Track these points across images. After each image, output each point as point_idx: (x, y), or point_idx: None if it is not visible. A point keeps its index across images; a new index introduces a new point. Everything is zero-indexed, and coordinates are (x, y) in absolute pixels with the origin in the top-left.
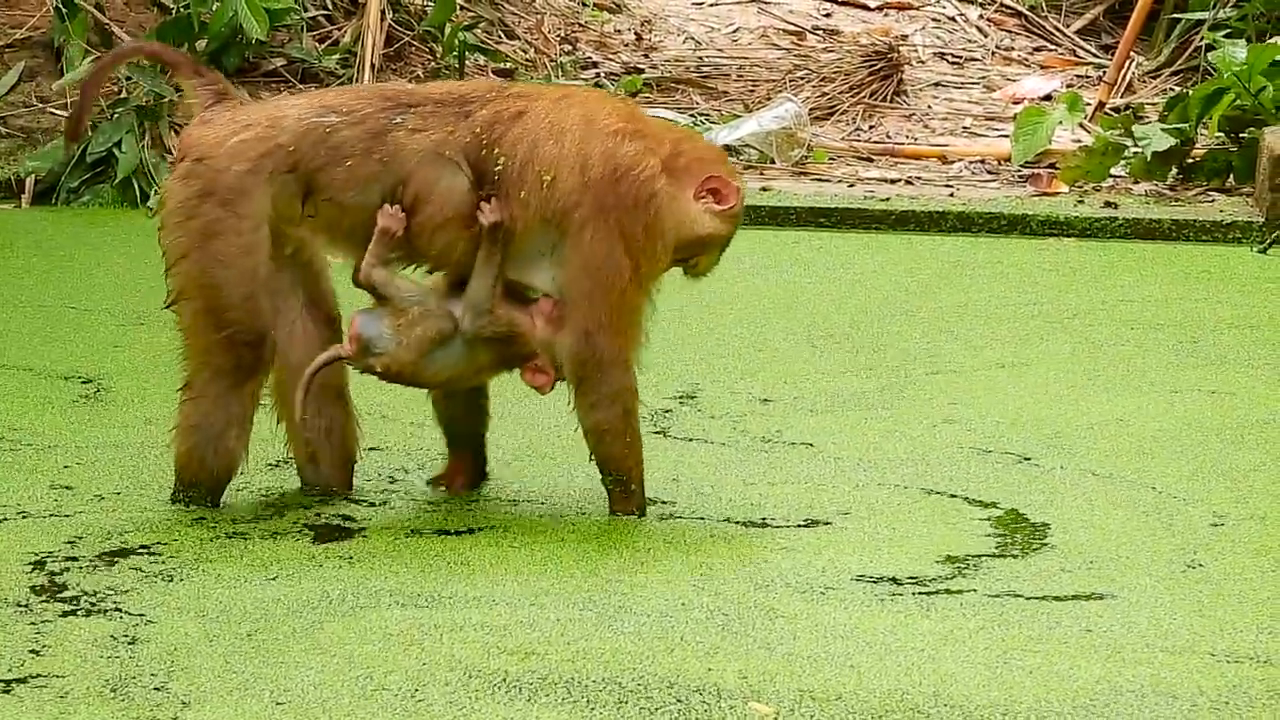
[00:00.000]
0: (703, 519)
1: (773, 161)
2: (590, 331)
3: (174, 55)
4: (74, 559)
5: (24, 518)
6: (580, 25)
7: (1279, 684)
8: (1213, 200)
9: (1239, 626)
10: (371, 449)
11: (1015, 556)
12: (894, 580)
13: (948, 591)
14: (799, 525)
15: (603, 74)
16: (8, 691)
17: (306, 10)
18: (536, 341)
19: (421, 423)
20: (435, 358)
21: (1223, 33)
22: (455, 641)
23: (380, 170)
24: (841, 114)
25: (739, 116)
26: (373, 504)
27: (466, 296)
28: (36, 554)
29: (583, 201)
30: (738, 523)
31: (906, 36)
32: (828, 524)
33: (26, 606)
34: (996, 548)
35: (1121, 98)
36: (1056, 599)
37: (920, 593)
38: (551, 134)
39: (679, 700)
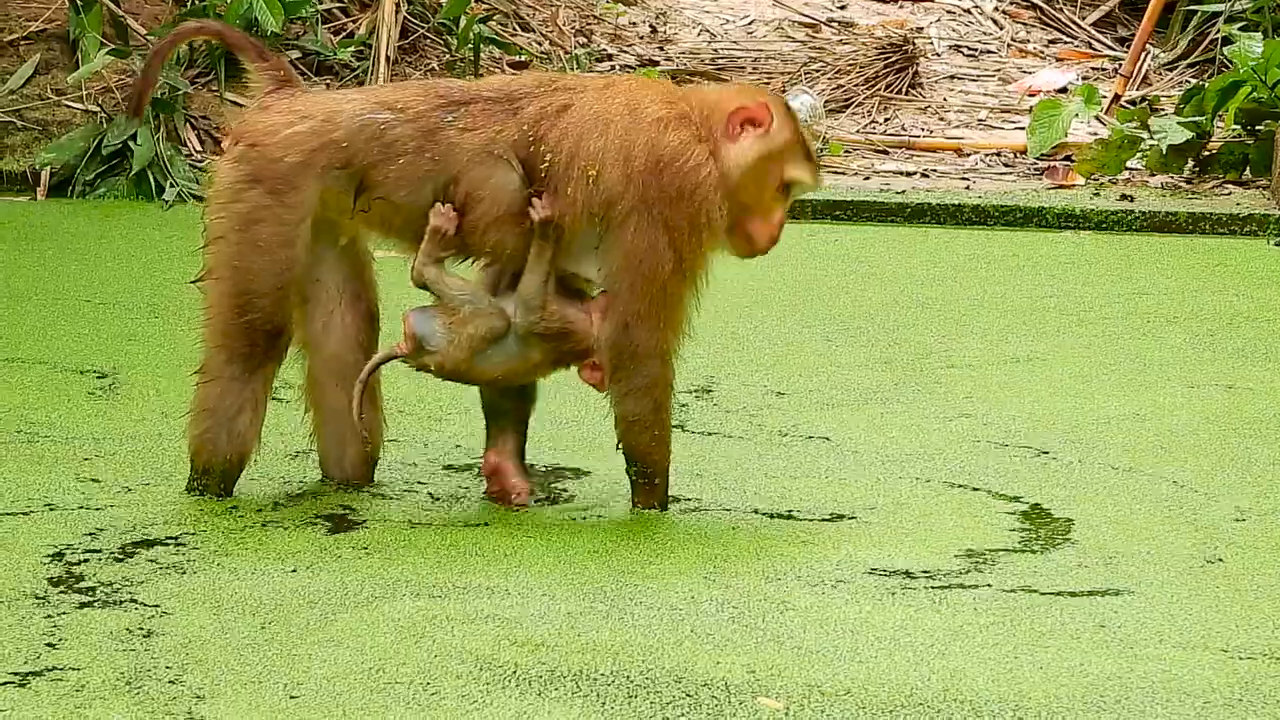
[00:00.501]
0: (725, 512)
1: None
2: (629, 323)
3: (238, 37)
4: (94, 551)
5: (50, 509)
6: (595, 17)
7: None
8: (1229, 193)
9: (1255, 622)
10: (390, 440)
11: (1034, 552)
12: (907, 574)
13: (961, 586)
14: (818, 519)
15: (618, 66)
16: (24, 685)
17: (321, 3)
18: (593, 339)
19: (439, 417)
20: (487, 355)
21: (1239, 25)
22: (466, 634)
23: (432, 169)
24: (857, 106)
25: None
26: (391, 497)
27: (519, 293)
28: (56, 546)
29: (626, 194)
30: (757, 516)
31: (922, 29)
32: (850, 518)
33: (44, 599)
34: (1019, 543)
35: (1137, 90)
36: (1071, 594)
37: (933, 587)
38: (596, 127)
39: (688, 695)
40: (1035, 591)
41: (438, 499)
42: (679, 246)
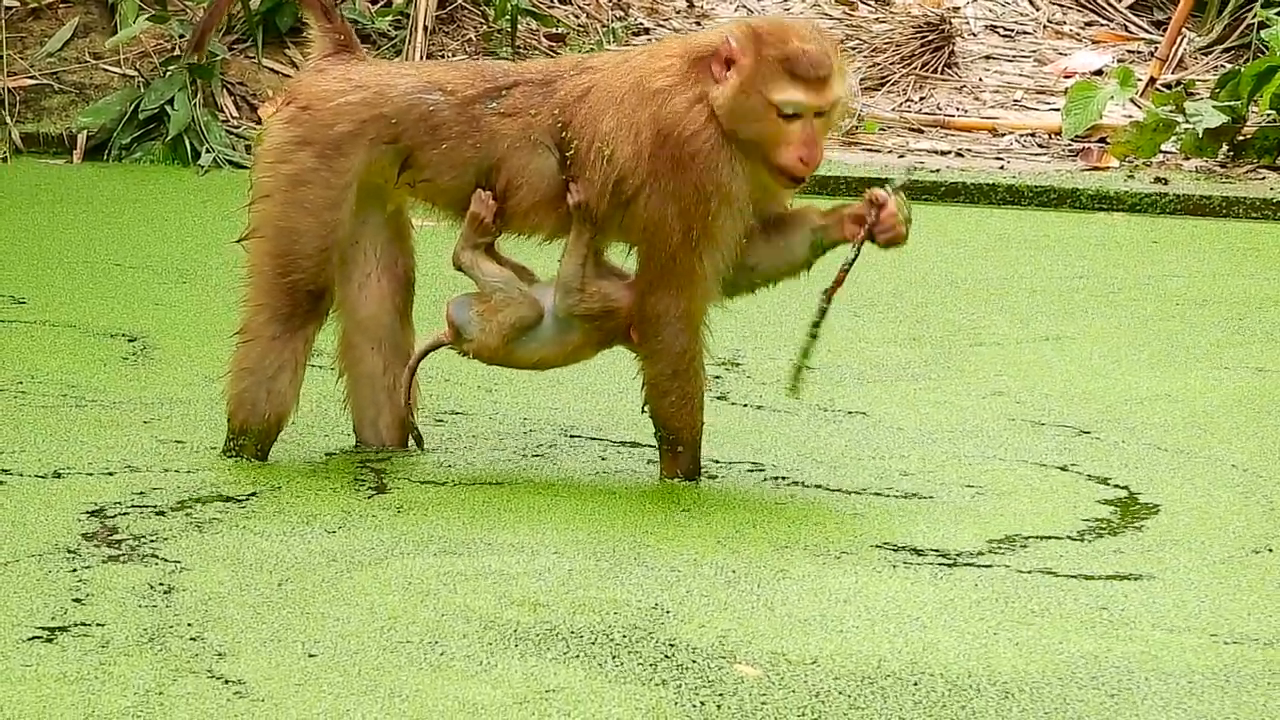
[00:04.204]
0: (764, 483)
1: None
2: (644, 291)
3: None
4: (130, 510)
5: (107, 475)
6: None
7: (1278, 664)
8: (1263, 178)
9: (1267, 611)
10: (446, 412)
11: (1079, 539)
12: (915, 550)
13: (972, 565)
14: (857, 493)
15: (654, 40)
16: (51, 640)
17: None
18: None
19: (489, 387)
20: (523, 342)
21: (1275, 10)
22: (471, 591)
23: (474, 155)
24: (892, 85)
25: None
26: (427, 460)
27: (558, 276)
28: (99, 503)
29: (637, 169)
30: (793, 488)
31: (958, 8)
32: (899, 495)
33: (75, 553)
34: (1075, 528)
35: (1173, 74)
36: (1088, 578)
37: (941, 564)
38: (609, 108)
39: (666, 656)
40: (1052, 574)
41: (476, 464)
42: (687, 216)
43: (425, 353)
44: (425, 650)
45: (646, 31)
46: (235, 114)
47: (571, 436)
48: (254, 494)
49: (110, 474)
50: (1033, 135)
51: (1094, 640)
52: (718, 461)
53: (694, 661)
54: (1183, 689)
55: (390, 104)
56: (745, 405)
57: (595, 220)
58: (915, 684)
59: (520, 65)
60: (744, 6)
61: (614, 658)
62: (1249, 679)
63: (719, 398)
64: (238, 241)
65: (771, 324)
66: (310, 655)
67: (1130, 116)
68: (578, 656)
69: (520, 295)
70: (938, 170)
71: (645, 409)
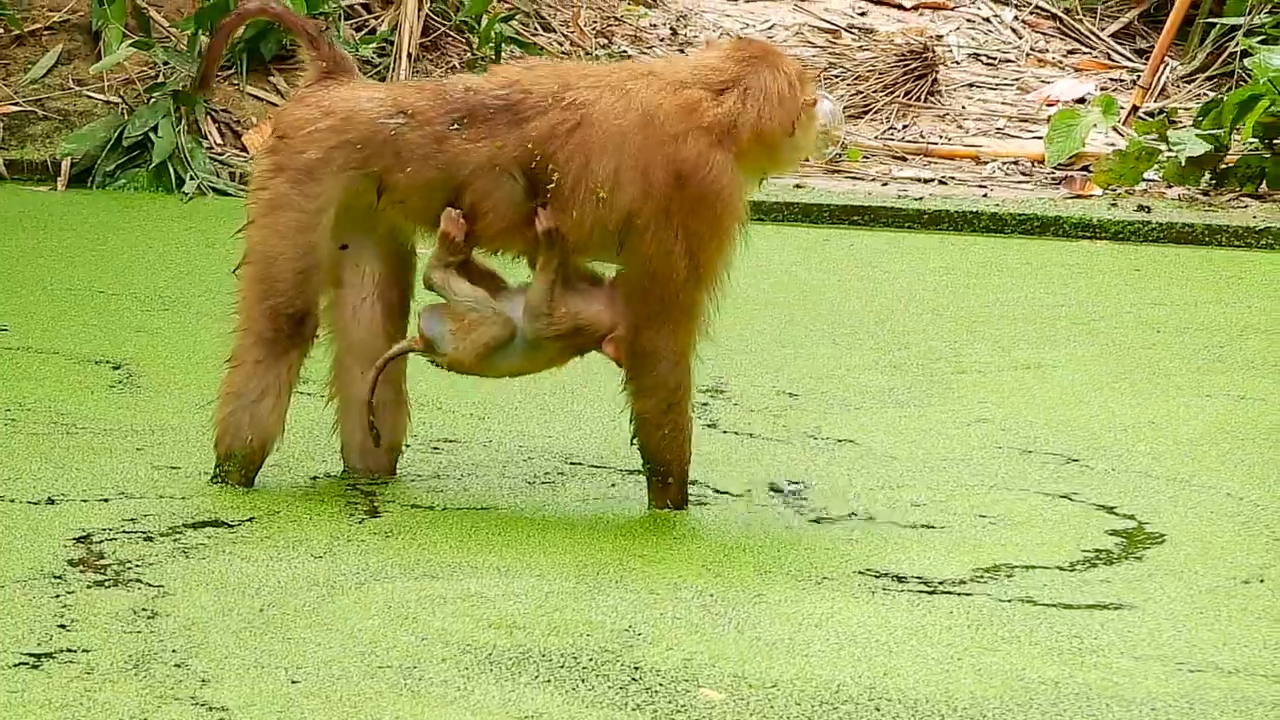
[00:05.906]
0: (760, 511)
1: (806, 159)
2: (640, 325)
3: (295, 20)
4: (114, 537)
5: (102, 501)
6: (616, 19)
7: (1240, 693)
8: (1246, 206)
9: (1242, 641)
10: (444, 440)
11: (1070, 569)
12: (897, 577)
13: (951, 593)
14: (857, 521)
15: None
16: (37, 666)
17: None
18: (608, 323)
19: (482, 415)
20: (496, 358)
21: (1258, 39)
22: (449, 614)
23: (438, 177)
24: (876, 113)
25: None
26: (418, 488)
27: (526, 301)
28: (86, 530)
29: (645, 207)
30: (790, 516)
31: (941, 37)
32: (908, 526)
33: (61, 578)
34: (1085, 557)
35: (1156, 102)
36: (1068, 607)
37: (919, 591)
38: (608, 147)
39: (634, 679)
40: (1031, 602)
41: (472, 490)
42: (696, 253)
43: (393, 356)
44: (404, 675)
45: (630, 59)
46: (219, 141)
47: (573, 463)
48: (250, 519)
49: (105, 500)
50: (1016, 163)
51: (1057, 667)
52: (721, 491)
53: (661, 685)
54: (1144, 715)
55: (356, 130)
56: (737, 433)
57: (564, 247)
58: (876, 709)
59: (489, 82)
60: (727, 34)
61: (583, 681)
62: (1212, 705)
63: (709, 425)
64: (233, 272)
65: (753, 352)
66: (293, 682)
67: (1113, 145)
68: (549, 681)
69: (493, 314)
70: (921, 198)
71: (634, 442)
